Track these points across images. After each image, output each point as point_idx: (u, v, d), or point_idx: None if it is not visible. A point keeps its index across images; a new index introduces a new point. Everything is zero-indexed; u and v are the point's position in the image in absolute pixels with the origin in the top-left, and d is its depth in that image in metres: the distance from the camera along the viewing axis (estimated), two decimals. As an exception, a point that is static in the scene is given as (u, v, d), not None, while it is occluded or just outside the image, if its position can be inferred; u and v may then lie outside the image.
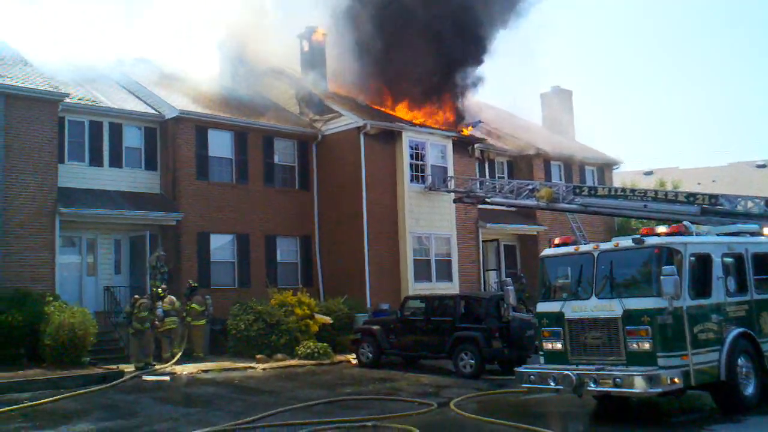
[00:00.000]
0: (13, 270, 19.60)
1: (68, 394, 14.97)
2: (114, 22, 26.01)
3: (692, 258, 11.91)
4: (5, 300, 18.25)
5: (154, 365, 18.57)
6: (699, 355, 11.52)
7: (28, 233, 20.08)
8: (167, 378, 17.45)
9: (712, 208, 16.37)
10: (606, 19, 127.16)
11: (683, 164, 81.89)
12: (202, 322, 20.79)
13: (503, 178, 30.23)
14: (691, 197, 17.16)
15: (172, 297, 20.42)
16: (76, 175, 22.10)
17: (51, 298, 18.95)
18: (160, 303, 19.84)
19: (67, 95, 21.31)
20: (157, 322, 19.45)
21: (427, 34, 27.57)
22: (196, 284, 21.45)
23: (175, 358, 19.20)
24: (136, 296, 19.83)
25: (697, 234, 12.77)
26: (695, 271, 11.92)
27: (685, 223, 12.65)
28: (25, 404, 13.92)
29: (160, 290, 20.03)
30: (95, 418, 12.93)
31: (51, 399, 14.42)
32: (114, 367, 17.92)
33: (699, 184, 49.10)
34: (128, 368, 18.05)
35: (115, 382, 16.48)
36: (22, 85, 20.61)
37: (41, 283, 19.80)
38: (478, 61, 29.30)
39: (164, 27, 27.01)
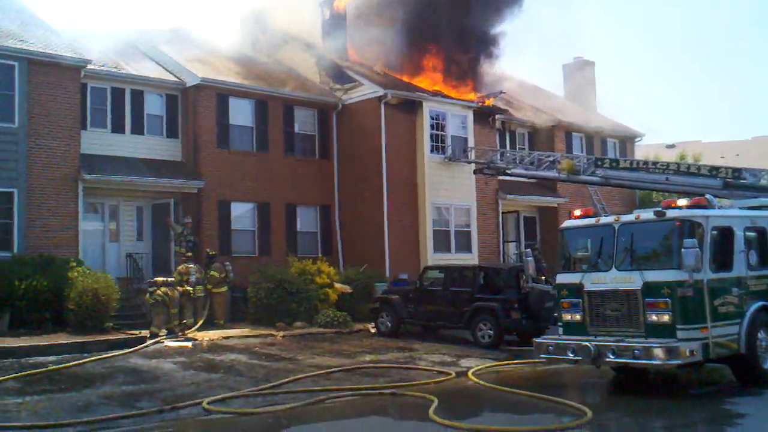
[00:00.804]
0: (37, 235, 19.86)
1: (92, 358, 15.24)
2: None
3: (714, 231, 11.89)
4: (30, 265, 18.51)
5: (176, 331, 18.80)
6: (718, 328, 11.55)
7: (52, 199, 20.30)
8: (189, 344, 17.67)
9: (735, 182, 16.24)
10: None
11: (706, 137, 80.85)
12: (224, 289, 20.99)
13: (524, 149, 30.04)
14: (714, 171, 17.02)
15: (198, 265, 20.66)
16: (98, 141, 22.18)
17: (74, 264, 19.15)
18: (193, 268, 20.09)
19: (89, 61, 21.34)
20: (189, 288, 19.69)
21: (450, 2, 27.33)
22: (214, 252, 21.61)
23: (197, 324, 19.44)
24: (161, 279, 19.87)
25: (720, 207, 12.73)
26: (717, 245, 11.90)
27: (707, 196, 12.60)
28: (51, 367, 14.20)
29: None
30: (119, 382, 13.15)
31: (75, 363, 14.69)
32: (136, 332, 18.17)
33: (722, 157, 48.59)
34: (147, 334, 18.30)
35: (137, 347, 16.72)
36: (45, 50, 20.67)
37: (65, 249, 20.04)
38: (501, 31, 29.08)
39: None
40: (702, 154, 43.40)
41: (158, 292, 18.83)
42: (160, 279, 19.42)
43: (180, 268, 20.35)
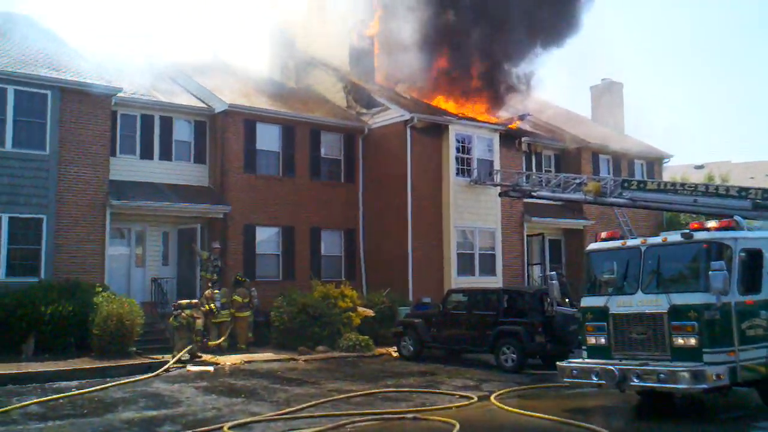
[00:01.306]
0: (65, 261, 20.10)
1: (115, 383, 15.28)
2: (165, 15, 26.18)
3: (742, 253, 11.72)
4: (56, 290, 18.69)
5: (199, 356, 18.82)
6: (746, 352, 11.32)
7: (80, 225, 20.57)
8: (211, 368, 17.68)
9: (765, 203, 15.91)
10: (659, 10, 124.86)
11: (736, 158, 79.86)
12: (246, 313, 21.02)
13: (550, 171, 29.83)
14: (743, 192, 16.69)
15: (225, 289, 20.73)
16: (127, 167, 22.47)
17: (100, 289, 19.32)
18: (218, 294, 20.19)
19: (120, 89, 21.63)
20: (212, 306, 19.91)
21: (479, 28, 27.38)
22: (244, 279, 21.63)
23: (220, 340, 19.53)
24: (185, 301, 20.02)
25: (749, 229, 12.49)
26: (745, 267, 11.71)
27: (735, 217, 12.38)
28: (73, 392, 14.25)
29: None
30: (140, 407, 13.14)
31: (98, 388, 14.72)
32: (159, 357, 18.22)
33: (752, 178, 47.89)
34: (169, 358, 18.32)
35: (159, 372, 16.75)
36: (77, 79, 21.00)
37: (91, 274, 20.25)
38: (531, 55, 29.04)
39: (215, 20, 27.34)
40: (730, 174, 42.82)
41: (183, 315, 18.90)
42: (185, 301, 19.50)
43: (206, 292, 20.50)
